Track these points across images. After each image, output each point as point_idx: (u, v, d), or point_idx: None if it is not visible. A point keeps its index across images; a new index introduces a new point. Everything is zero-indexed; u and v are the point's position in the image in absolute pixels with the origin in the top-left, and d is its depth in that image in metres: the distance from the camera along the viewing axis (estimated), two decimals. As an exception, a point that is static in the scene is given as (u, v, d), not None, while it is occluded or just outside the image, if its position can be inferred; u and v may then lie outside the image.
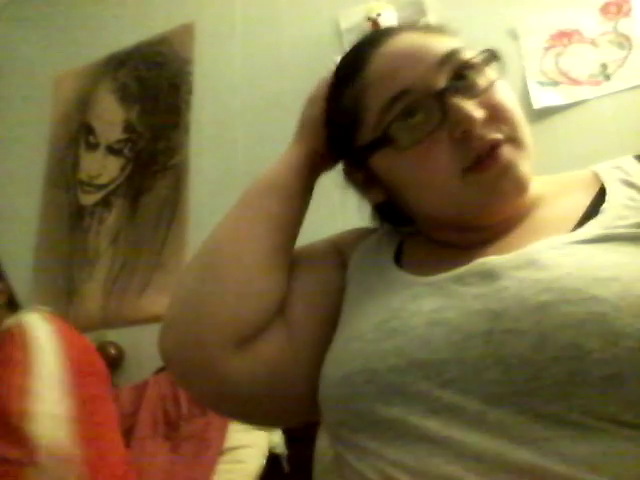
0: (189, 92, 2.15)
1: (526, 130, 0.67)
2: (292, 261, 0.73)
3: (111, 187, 2.21)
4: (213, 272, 0.67)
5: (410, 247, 0.75)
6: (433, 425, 0.53)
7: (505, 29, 1.70)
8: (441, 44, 0.67)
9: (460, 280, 0.60)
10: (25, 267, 2.16)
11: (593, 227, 0.60)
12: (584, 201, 0.65)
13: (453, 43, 0.67)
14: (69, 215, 2.24)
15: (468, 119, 0.63)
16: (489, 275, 0.58)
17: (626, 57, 1.58)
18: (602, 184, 0.66)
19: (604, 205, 0.62)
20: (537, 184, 0.70)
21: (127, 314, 1.95)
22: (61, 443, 1.17)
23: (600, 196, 0.65)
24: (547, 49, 1.67)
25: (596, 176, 0.68)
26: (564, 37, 1.67)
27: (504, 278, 0.56)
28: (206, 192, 2.01)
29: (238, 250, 0.69)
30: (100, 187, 2.23)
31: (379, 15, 1.83)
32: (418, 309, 0.59)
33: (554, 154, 1.53)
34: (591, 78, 1.60)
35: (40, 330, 1.37)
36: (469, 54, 0.67)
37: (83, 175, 2.28)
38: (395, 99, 0.65)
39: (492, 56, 0.68)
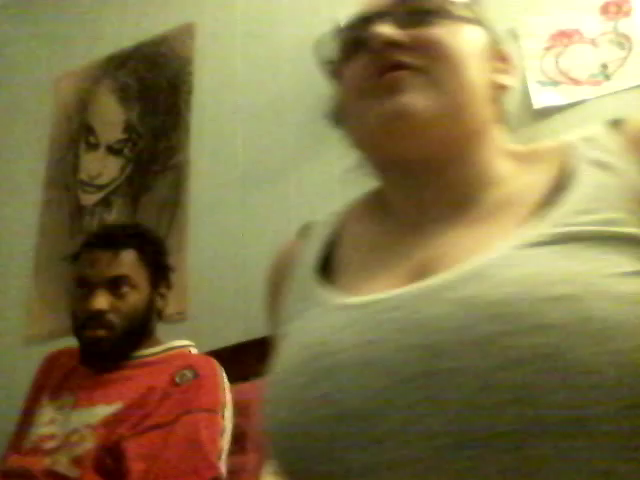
0: (189, 92, 2.14)
1: (458, 74, 0.60)
2: None
3: (111, 187, 2.20)
4: None
5: (349, 234, 0.67)
6: None
7: (505, 29, 1.70)
8: None
9: (391, 303, 0.51)
10: (25, 267, 2.16)
11: (547, 224, 0.51)
12: (547, 182, 0.57)
13: None
14: (69, 215, 2.24)
15: (374, 36, 0.60)
16: (423, 298, 0.50)
17: (626, 57, 1.58)
18: (570, 162, 0.58)
19: (564, 193, 0.54)
20: (508, 155, 0.64)
21: (127, 314, 1.94)
22: None
23: (564, 178, 0.56)
24: (547, 49, 1.67)
25: (566, 150, 0.60)
26: (564, 37, 1.67)
27: (440, 302, 0.48)
28: (206, 192, 2.01)
29: None
30: (100, 187, 2.23)
31: (379, 15, 1.83)
32: (343, 344, 0.50)
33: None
34: (591, 78, 1.60)
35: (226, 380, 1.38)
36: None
37: (83, 175, 2.28)
38: (347, 26, 0.65)
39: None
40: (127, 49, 2.32)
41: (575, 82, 1.62)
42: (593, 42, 1.64)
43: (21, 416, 1.50)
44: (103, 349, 1.41)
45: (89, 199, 2.24)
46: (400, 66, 0.59)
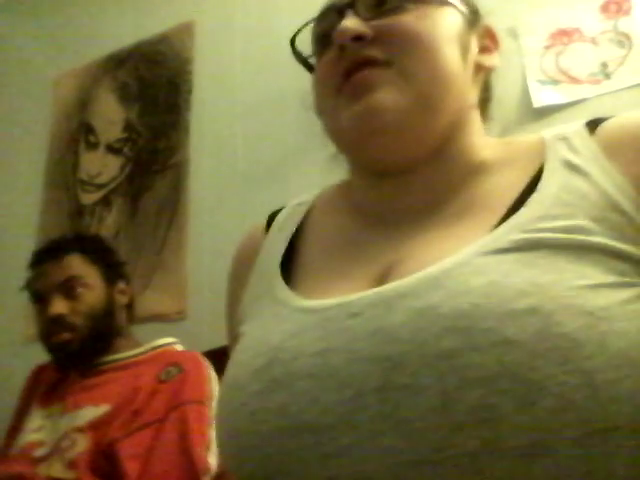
0: (189, 91, 2.14)
1: (429, 63, 0.56)
2: None
3: (111, 186, 2.20)
4: None
5: (316, 228, 0.65)
6: None
7: (505, 28, 1.70)
8: None
9: (350, 309, 0.49)
10: (25, 266, 2.15)
11: (513, 229, 0.49)
12: (520, 182, 0.54)
13: None
14: (69, 214, 2.24)
15: (339, 32, 0.56)
16: (384, 304, 0.47)
17: (626, 55, 1.58)
18: (544, 162, 0.55)
19: (532, 196, 0.51)
20: (489, 147, 0.61)
21: (127, 313, 1.94)
22: None
23: (538, 179, 0.53)
24: (547, 48, 1.67)
25: (542, 148, 0.57)
26: (564, 36, 1.67)
27: (401, 310, 0.46)
28: (206, 192, 2.01)
29: None
30: (100, 186, 2.23)
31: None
32: (300, 351, 0.48)
33: (554, 153, 1.52)
34: (591, 77, 1.60)
35: (212, 373, 1.38)
36: None
37: (83, 174, 2.28)
38: (319, 18, 0.63)
39: None
40: (126, 48, 2.31)
41: (575, 81, 1.62)
42: (593, 41, 1.63)
43: (9, 428, 1.51)
44: (72, 350, 1.43)
45: (89, 198, 2.24)
46: (368, 62, 0.56)
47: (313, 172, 1.83)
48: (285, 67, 1.98)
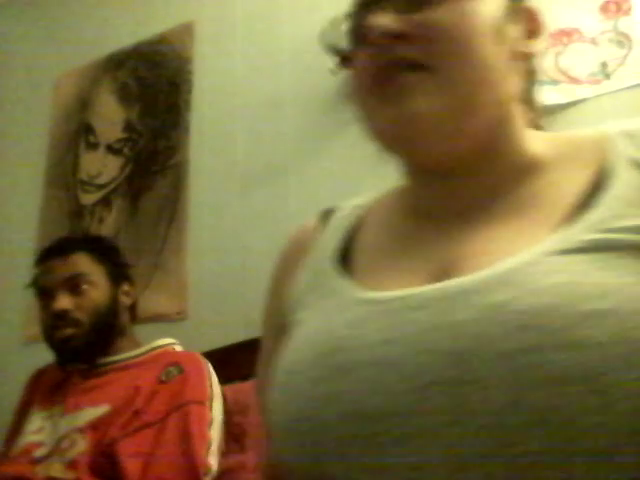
0: (189, 91, 2.14)
1: (467, 63, 0.54)
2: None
3: (111, 186, 2.21)
4: None
5: (371, 227, 0.64)
6: None
7: (505, 28, 1.70)
8: None
9: (413, 302, 0.49)
10: (25, 267, 2.16)
11: (579, 229, 0.48)
12: (582, 181, 0.53)
13: None
14: (69, 214, 2.24)
15: (371, 29, 0.55)
16: (450, 299, 0.47)
17: (626, 56, 1.58)
18: (608, 160, 0.53)
19: (599, 195, 0.50)
20: (541, 141, 0.60)
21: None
22: None
23: (601, 178, 0.52)
24: (547, 48, 1.67)
25: (604, 145, 0.55)
26: (564, 36, 1.67)
27: (467, 306, 0.46)
28: (206, 192, 2.01)
29: None
30: (100, 186, 2.23)
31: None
32: (364, 340, 0.48)
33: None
34: (591, 77, 1.60)
35: (213, 372, 1.39)
36: None
37: (83, 174, 2.28)
38: (350, 13, 0.61)
39: None
40: (127, 48, 2.32)
41: (575, 81, 1.62)
42: (593, 41, 1.63)
43: (9, 430, 1.51)
44: (75, 346, 1.43)
45: (89, 198, 2.24)
46: (401, 63, 0.54)
47: (312, 171, 1.83)
48: (285, 67, 1.99)
